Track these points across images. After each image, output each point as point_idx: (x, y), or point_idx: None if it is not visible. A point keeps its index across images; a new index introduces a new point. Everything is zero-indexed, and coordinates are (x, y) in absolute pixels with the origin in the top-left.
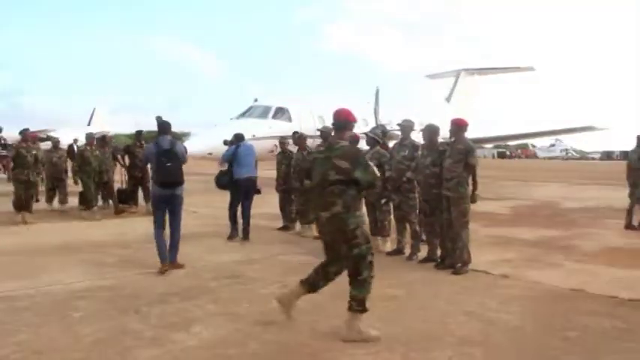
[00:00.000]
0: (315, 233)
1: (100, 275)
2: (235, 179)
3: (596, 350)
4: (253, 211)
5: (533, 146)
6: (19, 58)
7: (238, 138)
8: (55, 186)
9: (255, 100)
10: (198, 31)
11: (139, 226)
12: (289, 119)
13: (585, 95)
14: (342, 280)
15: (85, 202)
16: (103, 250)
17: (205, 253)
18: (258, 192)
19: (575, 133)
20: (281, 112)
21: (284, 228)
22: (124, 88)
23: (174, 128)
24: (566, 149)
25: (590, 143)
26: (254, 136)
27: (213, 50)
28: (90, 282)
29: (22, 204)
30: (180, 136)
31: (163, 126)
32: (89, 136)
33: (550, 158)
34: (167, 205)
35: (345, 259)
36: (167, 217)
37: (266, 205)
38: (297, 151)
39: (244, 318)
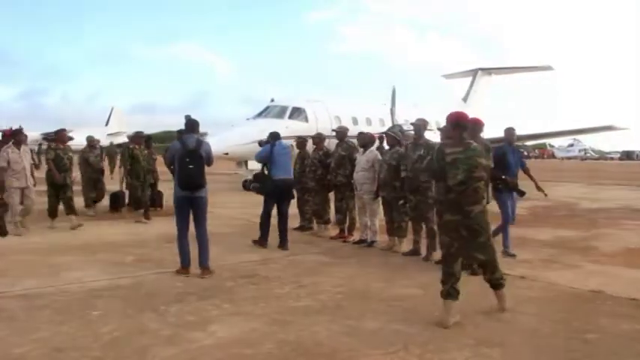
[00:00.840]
0: (332, 233)
1: (118, 274)
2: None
3: (615, 353)
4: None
5: (551, 146)
6: (42, 58)
7: (274, 137)
8: (93, 187)
9: (272, 101)
10: (213, 35)
11: (155, 225)
12: (306, 119)
13: (605, 94)
14: (357, 279)
15: (136, 203)
16: (121, 250)
17: (222, 253)
18: (292, 197)
19: (594, 132)
20: (297, 113)
21: (300, 228)
22: (140, 90)
23: None
24: (585, 149)
25: (610, 143)
26: None
27: (228, 52)
28: (108, 281)
29: (56, 210)
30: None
31: (191, 124)
32: (136, 135)
33: (568, 158)
34: (189, 207)
35: (482, 248)
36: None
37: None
38: (314, 150)
39: (260, 318)
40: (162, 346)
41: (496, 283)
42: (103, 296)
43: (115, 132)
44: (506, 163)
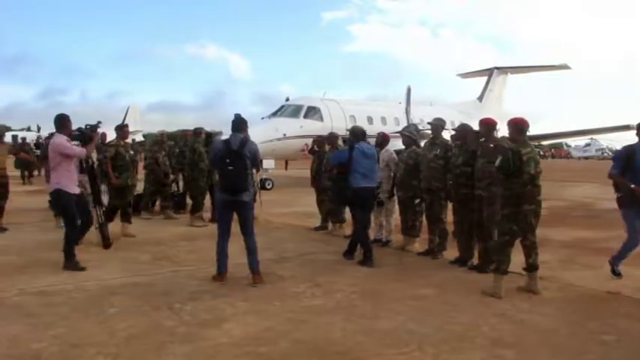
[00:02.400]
0: (346, 233)
1: (134, 272)
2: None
3: (633, 355)
4: (285, 209)
5: (568, 146)
6: (62, 58)
7: (356, 135)
8: (158, 190)
9: (287, 100)
10: (230, 34)
11: (171, 224)
12: (321, 119)
13: (622, 93)
14: (371, 279)
15: (196, 206)
16: (137, 248)
17: (237, 251)
18: (380, 204)
19: (611, 132)
20: (313, 112)
21: (321, 228)
22: (158, 89)
23: (207, 127)
24: (602, 148)
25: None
26: (285, 135)
27: (245, 51)
28: (124, 278)
29: (114, 214)
30: (215, 135)
31: (238, 123)
32: (196, 132)
33: (585, 158)
34: (231, 212)
35: (535, 231)
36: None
37: (296, 203)
38: (329, 150)
39: (275, 316)
40: (177, 343)
41: (535, 265)
42: (120, 293)
43: (131, 131)
44: (635, 166)
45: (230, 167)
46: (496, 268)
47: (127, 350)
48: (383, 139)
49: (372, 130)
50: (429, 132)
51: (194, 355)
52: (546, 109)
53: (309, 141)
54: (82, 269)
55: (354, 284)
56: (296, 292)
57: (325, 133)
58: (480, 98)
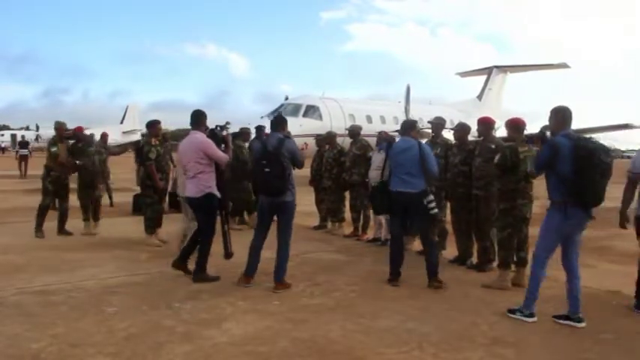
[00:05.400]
0: (346, 232)
1: (133, 271)
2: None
3: (631, 353)
4: None
5: None
6: (65, 57)
7: (406, 129)
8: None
9: (286, 99)
10: (231, 34)
11: (170, 223)
12: (320, 117)
13: (621, 92)
14: (371, 278)
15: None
16: (137, 247)
17: (236, 250)
18: (429, 211)
19: (610, 131)
20: (312, 110)
21: (320, 227)
22: (160, 88)
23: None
24: None
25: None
26: None
27: (246, 51)
28: (123, 278)
29: (161, 219)
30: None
31: (277, 122)
32: (246, 131)
33: None
34: (271, 213)
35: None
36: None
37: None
38: (328, 149)
39: (274, 315)
40: (177, 342)
41: (525, 259)
42: (119, 293)
43: (129, 130)
44: None
45: (267, 169)
46: (501, 262)
47: (126, 350)
48: (385, 139)
49: (371, 129)
50: (429, 131)
51: (193, 355)
52: (545, 108)
53: (309, 140)
54: (217, 279)
55: (354, 283)
56: (295, 291)
57: (324, 132)
58: (480, 97)
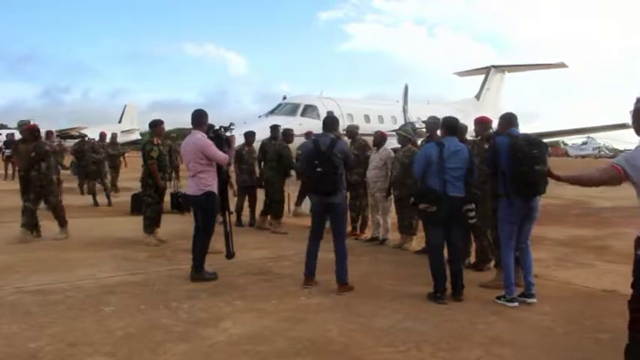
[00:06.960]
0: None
1: (131, 271)
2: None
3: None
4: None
5: (565, 144)
6: (65, 57)
7: (449, 129)
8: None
9: (284, 98)
10: (230, 33)
11: (169, 222)
12: (318, 116)
13: (619, 92)
14: (369, 277)
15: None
16: (134, 246)
17: (236, 248)
18: (470, 219)
19: (608, 131)
20: (310, 110)
21: None
22: (159, 88)
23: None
24: (599, 147)
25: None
26: None
27: (245, 50)
28: (121, 277)
29: (160, 220)
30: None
31: (328, 122)
32: (277, 130)
33: (582, 156)
34: (324, 213)
35: None
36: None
37: (294, 202)
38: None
39: (272, 315)
40: (174, 342)
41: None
42: (116, 292)
43: (127, 129)
44: None
45: (319, 169)
46: (498, 262)
47: (124, 349)
48: (381, 138)
49: (369, 128)
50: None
51: (191, 354)
52: (543, 108)
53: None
54: (215, 278)
55: (352, 282)
56: (293, 290)
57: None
58: (478, 96)
